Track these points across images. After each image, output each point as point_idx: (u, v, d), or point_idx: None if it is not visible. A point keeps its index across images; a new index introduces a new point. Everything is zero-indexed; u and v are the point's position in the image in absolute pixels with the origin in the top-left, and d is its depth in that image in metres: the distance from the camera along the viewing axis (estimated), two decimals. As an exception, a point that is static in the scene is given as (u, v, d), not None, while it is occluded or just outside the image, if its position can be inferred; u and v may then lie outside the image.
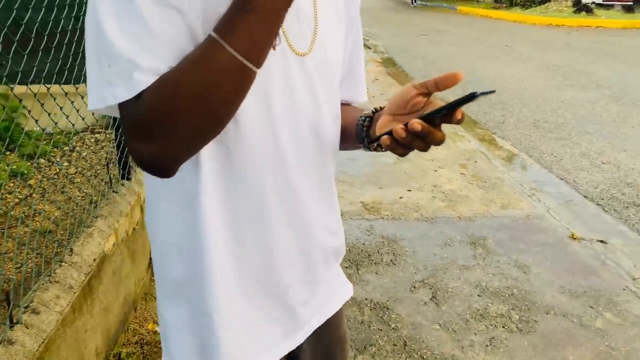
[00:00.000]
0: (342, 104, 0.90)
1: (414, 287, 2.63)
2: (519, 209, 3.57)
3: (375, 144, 0.78)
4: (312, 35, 0.77)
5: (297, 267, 0.83)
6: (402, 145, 0.70)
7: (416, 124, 0.66)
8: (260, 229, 0.78)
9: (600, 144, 5.23)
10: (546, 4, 21.35)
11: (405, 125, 0.67)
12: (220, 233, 0.75)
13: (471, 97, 0.63)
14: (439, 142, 0.69)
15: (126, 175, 2.53)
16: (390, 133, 0.69)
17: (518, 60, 10.50)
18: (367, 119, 0.83)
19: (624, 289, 2.65)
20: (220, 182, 0.73)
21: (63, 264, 1.78)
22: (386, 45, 12.86)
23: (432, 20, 21.57)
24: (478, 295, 2.58)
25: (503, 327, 2.35)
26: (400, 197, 3.69)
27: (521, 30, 16.86)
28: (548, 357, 2.18)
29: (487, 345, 2.23)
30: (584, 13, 19.31)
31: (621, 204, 3.86)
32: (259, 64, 0.63)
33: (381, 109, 0.82)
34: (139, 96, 0.61)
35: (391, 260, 2.88)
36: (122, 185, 2.48)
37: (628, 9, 21.26)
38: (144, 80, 0.61)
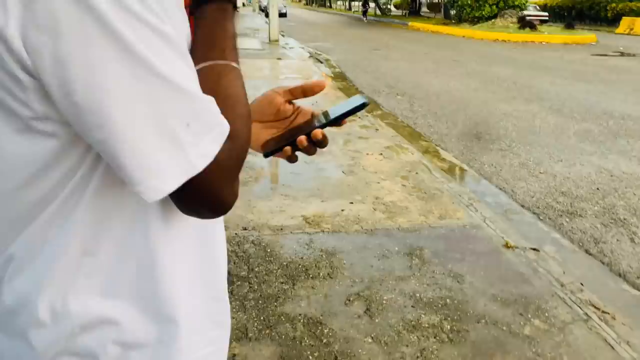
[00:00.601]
0: None
1: (349, 300, 2.62)
2: (456, 219, 3.63)
3: (273, 153, 0.79)
4: None
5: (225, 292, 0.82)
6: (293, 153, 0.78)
7: (319, 133, 0.74)
8: (209, 262, 0.75)
9: (539, 154, 5.41)
10: (493, 20, 22.17)
11: (308, 135, 0.74)
12: (181, 279, 0.69)
13: (363, 106, 0.74)
14: (325, 145, 0.77)
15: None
16: (292, 144, 0.75)
17: (465, 74, 10.81)
18: None
19: (552, 295, 2.71)
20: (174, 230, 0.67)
21: None
22: (338, 59, 13.00)
23: (385, 35, 22.02)
24: (412, 307, 2.59)
25: (435, 337, 2.36)
26: (342, 210, 3.69)
27: (469, 45, 17.41)
28: (477, 366, 2.19)
29: (417, 357, 2.23)
30: (528, 29, 20.16)
31: (556, 212, 3.99)
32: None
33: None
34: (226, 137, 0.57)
35: (328, 274, 2.86)
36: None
37: (568, 26, 22.32)
38: (225, 121, 0.56)
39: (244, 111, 0.61)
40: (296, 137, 0.75)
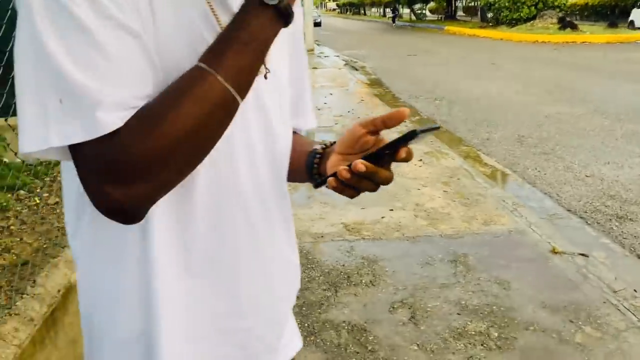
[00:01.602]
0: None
1: (393, 308, 2.60)
2: (500, 224, 3.56)
3: (322, 186, 0.73)
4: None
5: (262, 308, 0.78)
6: (349, 187, 0.67)
7: (359, 164, 0.64)
8: (225, 272, 0.73)
9: (584, 157, 5.26)
10: (532, 22, 21.71)
11: (349, 166, 0.65)
12: (175, 287, 0.69)
13: (412, 135, 0.63)
14: (386, 181, 0.67)
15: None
16: (335, 174, 0.67)
17: (504, 77, 10.62)
18: (317, 155, 0.79)
19: (604, 302, 2.63)
20: (173, 224, 0.68)
21: (24, 296, 1.75)
22: (374, 66, 13.00)
23: (421, 40, 21.89)
24: (457, 314, 2.55)
25: (482, 345, 2.32)
26: (382, 217, 3.68)
27: (507, 48, 17.09)
28: (527, 374, 2.14)
29: (465, 365, 2.20)
30: (569, 29, 19.63)
31: (604, 216, 3.86)
32: (244, 95, 0.61)
33: (331, 144, 0.79)
34: (112, 134, 0.54)
35: (370, 281, 2.85)
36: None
37: (611, 25, 21.61)
38: (111, 119, 0.54)
39: (165, 131, 0.55)
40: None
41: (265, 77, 0.71)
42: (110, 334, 0.73)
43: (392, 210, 3.77)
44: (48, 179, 3.46)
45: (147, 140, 0.55)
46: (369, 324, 2.47)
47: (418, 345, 2.33)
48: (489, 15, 26.31)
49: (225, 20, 0.63)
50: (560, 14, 21.29)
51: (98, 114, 0.53)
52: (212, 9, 0.65)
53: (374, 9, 60.55)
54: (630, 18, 22.10)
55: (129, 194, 0.56)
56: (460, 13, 40.07)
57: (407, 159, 0.66)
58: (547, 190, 4.40)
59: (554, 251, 3.17)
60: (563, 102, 7.97)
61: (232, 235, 0.72)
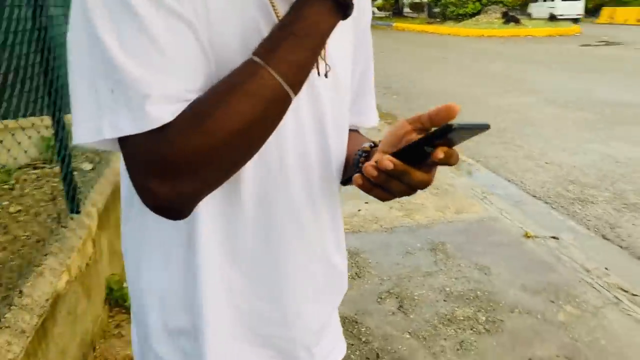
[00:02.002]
0: (350, 130, 0.82)
1: (381, 298, 2.63)
2: (473, 212, 3.66)
3: (349, 183, 0.67)
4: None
5: (308, 313, 0.76)
6: (378, 187, 0.61)
7: (385, 161, 0.57)
8: (269, 273, 0.71)
9: (541, 145, 5.47)
10: (477, 17, 22.37)
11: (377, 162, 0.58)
12: (220, 283, 0.68)
13: (446, 130, 0.53)
14: (422, 185, 0.59)
15: (75, 208, 2.41)
16: (361, 171, 0.60)
17: (456, 71, 10.90)
18: (364, 153, 0.74)
19: (579, 281, 2.74)
20: (220, 222, 0.66)
21: (13, 307, 1.66)
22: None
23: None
24: (444, 300, 2.60)
25: (471, 329, 2.37)
26: (359, 210, 3.70)
27: (456, 43, 17.55)
28: (517, 355, 2.21)
29: (457, 349, 2.24)
30: (512, 24, 20.35)
31: (567, 200, 4.03)
32: (298, 91, 0.57)
33: (375, 145, 0.74)
34: (161, 129, 0.52)
35: (356, 274, 2.87)
36: (72, 219, 2.35)
37: (552, 18, 22.58)
38: (160, 113, 0.52)
39: (214, 128, 0.53)
40: None
41: (326, 76, 0.67)
42: (157, 323, 0.72)
43: (367, 202, 3.80)
44: (7, 186, 3.29)
45: (195, 137, 0.53)
46: (360, 316, 2.49)
47: (410, 333, 2.36)
48: (436, 11, 26.92)
49: (283, 9, 0.59)
50: (503, 9, 22.04)
51: (147, 107, 0.52)
52: None
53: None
54: (529, 10, 25.11)
55: (175, 191, 0.54)
56: (407, 10, 40.79)
57: (447, 161, 0.56)
58: (511, 178, 4.54)
59: (526, 235, 3.28)
60: (514, 93, 8.25)
61: (279, 234, 0.70)
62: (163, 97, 0.52)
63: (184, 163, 0.53)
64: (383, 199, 0.63)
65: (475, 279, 2.79)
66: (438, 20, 25.98)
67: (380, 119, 4.60)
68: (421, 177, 0.59)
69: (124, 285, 2.55)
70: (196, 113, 0.53)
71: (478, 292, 2.66)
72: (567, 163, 4.87)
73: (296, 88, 0.57)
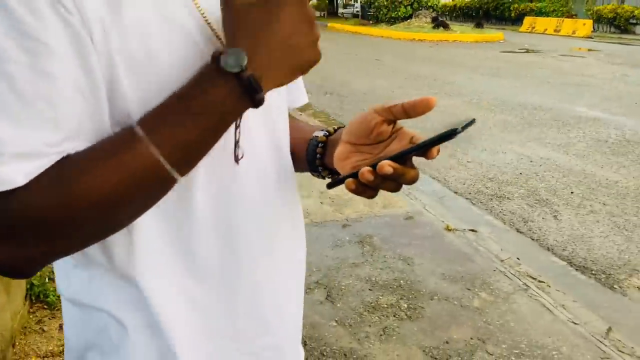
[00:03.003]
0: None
1: (310, 289, 2.70)
2: (398, 207, 3.82)
3: (338, 186, 0.62)
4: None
5: (288, 318, 0.73)
6: (370, 188, 0.58)
7: (387, 166, 0.55)
8: (238, 284, 0.65)
9: (465, 144, 5.76)
10: (408, 21, 23.03)
11: (373, 167, 0.55)
12: (182, 309, 0.61)
13: (452, 135, 0.55)
14: (412, 181, 0.58)
15: None
16: (355, 175, 0.57)
17: (388, 73, 11.21)
18: (320, 143, 0.70)
19: (494, 270, 2.95)
20: (171, 243, 0.59)
21: None
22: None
23: (306, 36, 22.22)
24: (369, 290, 2.72)
25: (394, 316, 2.50)
26: (289, 205, 3.77)
27: (388, 45, 18.02)
28: (436, 338, 2.36)
29: (381, 335, 2.36)
30: (442, 28, 21.13)
31: (486, 196, 4.29)
32: (185, 173, 0.51)
33: (335, 130, 0.71)
34: (13, 191, 0.45)
35: (285, 266, 2.93)
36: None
37: (477, 25, 23.70)
38: (11, 174, 0.44)
39: (76, 196, 0.47)
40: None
41: (237, 162, 0.61)
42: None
43: (298, 198, 3.87)
44: None
45: (52, 204, 0.46)
46: (289, 306, 2.55)
47: (336, 321, 2.45)
48: (369, 13, 27.46)
49: (214, 19, 0.54)
50: (433, 14, 22.84)
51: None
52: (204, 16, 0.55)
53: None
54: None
55: (20, 256, 0.48)
56: (341, 10, 41.31)
57: (435, 156, 0.58)
58: (436, 176, 4.77)
59: (447, 228, 3.48)
60: (442, 95, 8.61)
61: (242, 239, 0.63)
62: (17, 156, 0.45)
63: (35, 230, 0.47)
64: (371, 197, 0.60)
65: (399, 269, 2.94)
66: (371, 22, 26.51)
67: (313, 117, 4.69)
68: (414, 174, 0.58)
69: (46, 281, 2.48)
70: (60, 175, 0.47)
71: (401, 282, 2.80)
72: (487, 162, 5.17)
73: (183, 169, 0.50)
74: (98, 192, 0.47)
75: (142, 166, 0.48)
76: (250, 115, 0.57)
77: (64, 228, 0.48)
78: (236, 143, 0.60)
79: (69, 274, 0.62)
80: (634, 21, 25.87)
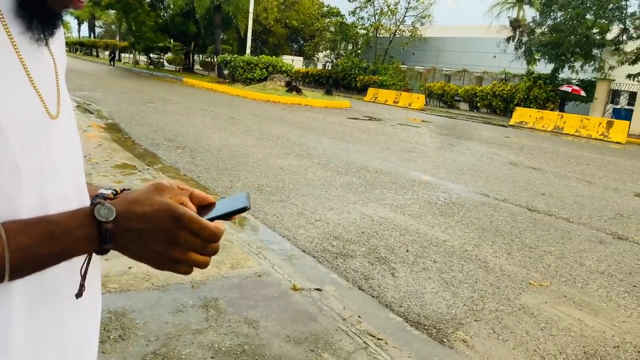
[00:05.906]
0: None
1: (146, 361, 2.49)
2: (247, 267, 3.77)
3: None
4: (57, 97, 0.71)
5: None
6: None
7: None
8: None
9: (313, 203, 5.97)
10: (264, 82, 23.84)
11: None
12: None
13: (245, 209, 0.71)
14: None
15: None
16: None
17: (242, 131, 11.35)
18: (107, 200, 0.70)
19: (336, 329, 3.01)
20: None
21: None
22: (110, 111, 12.39)
23: (159, 89, 21.78)
24: (211, 357, 2.59)
25: (236, 384, 2.40)
26: (130, 267, 3.50)
27: (243, 104, 18.36)
28: (278, 405, 2.30)
29: (222, 406, 2.24)
30: (294, 92, 22.18)
31: (332, 255, 4.44)
32: (15, 278, 0.57)
33: (121, 191, 0.72)
34: None
35: (120, 336, 2.68)
36: None
37: (327, 92, 25.36)
38: None
39: None
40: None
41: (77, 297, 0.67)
42: None
43: (139, 259, 3.63)
44: None
45: None
46: (120, 382, 2.31)
47: (174, 395, 2.28)
48: (226, 72, 27.90)
49: (27, 55, 0.63)
50: (287, 78, 23.95)
51: None
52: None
53: (107, 52, 57.92)
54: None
55: None
56: (197, 67, 41.41)
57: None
58: (285, 234, 4.84)
59: (294, 288, 3.50)
60: (293, 156, 8.92)
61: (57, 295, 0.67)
62: None
63: None
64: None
65: (244, 333, 2.86)
66: (227, 81, 26.91)
67: (162, 172, 4.52)
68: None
69: None
70: None
71: (245, 347, 2.72)
72: (334, 221, 5.39)
73: (15, 275, 0.56)
74: None
75: None
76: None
77: None
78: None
79: None
80: (458, 98, 29.82)
